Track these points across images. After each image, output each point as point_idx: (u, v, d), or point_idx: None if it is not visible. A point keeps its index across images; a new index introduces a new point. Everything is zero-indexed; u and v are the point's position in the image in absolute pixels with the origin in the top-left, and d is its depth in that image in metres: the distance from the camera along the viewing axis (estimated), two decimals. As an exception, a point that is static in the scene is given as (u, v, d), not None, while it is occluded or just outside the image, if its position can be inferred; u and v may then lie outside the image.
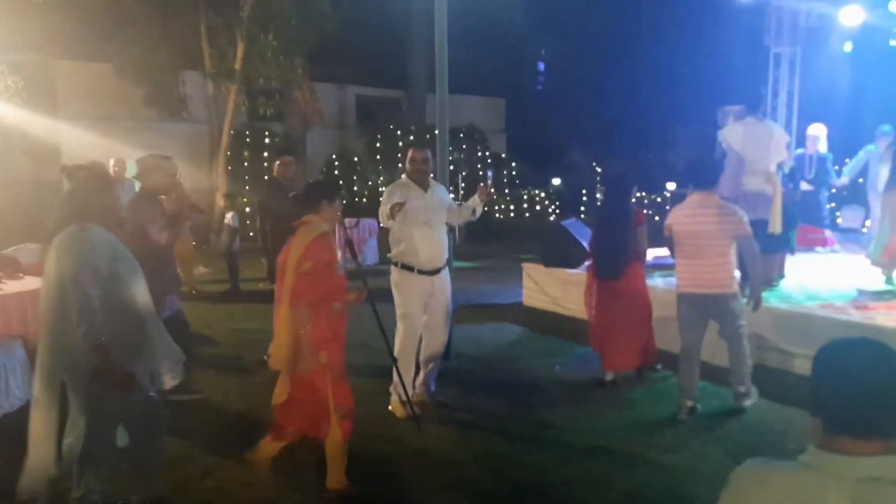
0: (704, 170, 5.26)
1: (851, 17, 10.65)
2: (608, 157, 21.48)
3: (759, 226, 6.49)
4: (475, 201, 5.44)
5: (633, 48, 22.07)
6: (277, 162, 6.19)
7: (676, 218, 5.24)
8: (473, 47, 21.83)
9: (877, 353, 1.45)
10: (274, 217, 6.60)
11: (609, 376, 6.02)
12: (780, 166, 7.28)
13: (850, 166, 9.81)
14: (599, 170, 23.46)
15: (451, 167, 17.67)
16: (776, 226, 6.88)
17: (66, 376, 3.36)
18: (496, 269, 12.64)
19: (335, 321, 3.92)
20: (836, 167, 9.88)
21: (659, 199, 20.18)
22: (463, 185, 17.89)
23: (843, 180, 9.84)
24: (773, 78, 12.26)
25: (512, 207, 20.30)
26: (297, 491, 4.12)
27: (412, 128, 17.84)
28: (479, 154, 18.18)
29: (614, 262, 5.93)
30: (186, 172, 13.81)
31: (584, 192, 22.68)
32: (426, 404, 5.46)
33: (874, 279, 7.32)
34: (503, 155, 19.15)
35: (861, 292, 6.89)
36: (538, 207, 20.93)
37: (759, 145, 7.08)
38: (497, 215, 18.03)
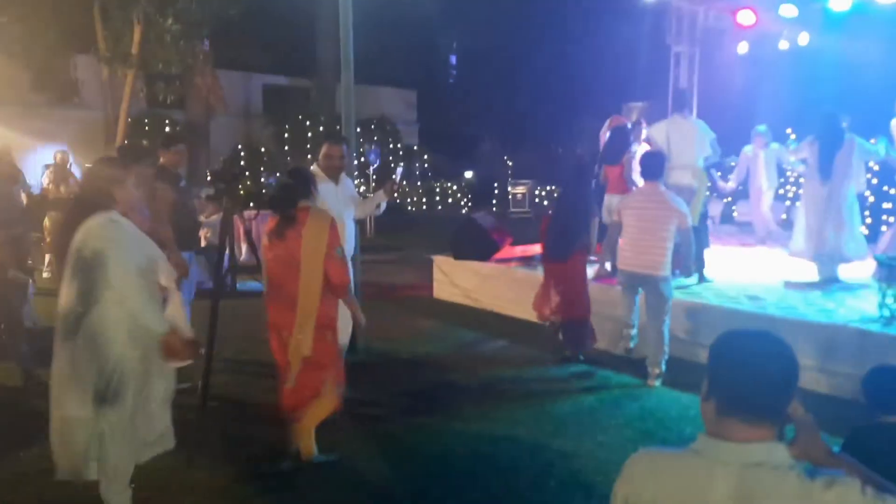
0: (652, 162, 5.75)
1: (746, 19, 11.11)
2: (525, 149, 21.80)
3: None
4: (380, 196, 5.38)
5: (544, 43, 22.42)
6: (168, 150, 5.87)
7: (628, 203, 5.78)
8: (385, 38, 21.63)
9: (770, 344, 1.52)
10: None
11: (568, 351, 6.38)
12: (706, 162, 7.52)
13: (736, 171, 10.14)
14: (510, 163, 23.74)
15: (362, 159, 17.55)
16: (693, 218, 7.10)
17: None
18: (407, 261, 12.57)
19: (334, 301, 4.15)
20: (719, 174, 10.06)
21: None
22: (374, 177, 17.71)
23: (731, 185, 10.15)
24: (674, 76, 12.65)
25: (424, 200, 20.29)
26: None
27: (322, 118, 17.53)
28: (391, 146, 18.06)
29: (564, 246, 6.18)
30: (79, 161, 13.14)
31: (495, 184, 22.89)
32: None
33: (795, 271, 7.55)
34: (415, 147, 19.09)
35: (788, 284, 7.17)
36: (450, 200, 20.98)
37: (684, 142, 7.36)
38: (409, 208, 17.96)
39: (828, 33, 10.81)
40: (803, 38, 11.04)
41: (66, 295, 3.39)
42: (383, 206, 5.46)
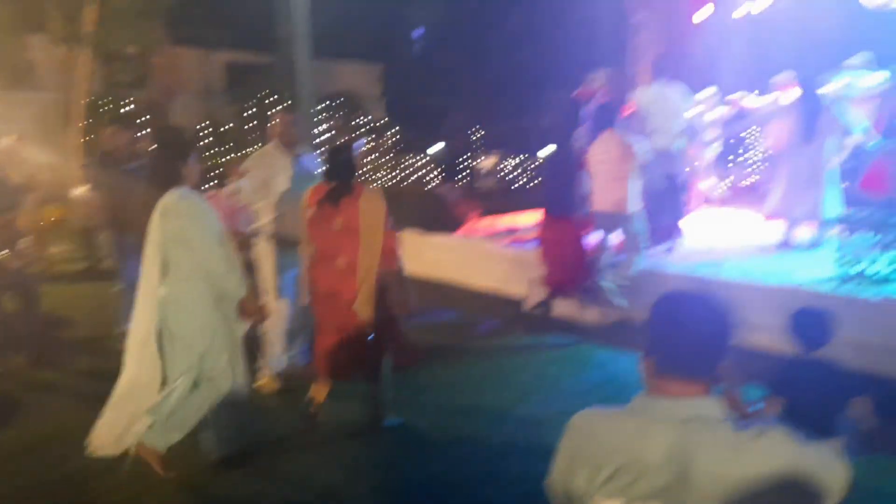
0: (608, 113, 6.40)
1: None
2: (493, 120, 21.69)
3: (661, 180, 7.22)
4: None
5: (508, 14, 22.24)
6: (112, 130, 5.78)
7: (591, 152, 6.28)
8: (348, 12, 21.30)
9: (706, 305, 1.59)
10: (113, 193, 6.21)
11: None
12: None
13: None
14: (480, 134, 23.64)
15: (329, 134, 17.37)
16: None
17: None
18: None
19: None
20: None
21: (534, 165, 20.63)
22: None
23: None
24: (633, 45, 12.66)
25: (392, 174, 20.17)
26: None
27: (287, 94, 17.31)
28: (357, 121, 17.88)
29: (563, 202, 6.39)
30: (37, 144, 12.83)
31: (465, 157, 22.80)
32: (300, 377, 5.35)
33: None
34: (383, 122, 18.93)
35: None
36: (420, 174, 20.90)
37: (666, 107, 7.46)
38: (378, 183, 17.87)
39: (782, 1, 10.86)
40: (758, 6, 11.07)
41: (150, 269, 3.62)
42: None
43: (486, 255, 8.31)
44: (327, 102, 17.38)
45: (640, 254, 6.32)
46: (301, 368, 5.40)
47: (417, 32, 27.21)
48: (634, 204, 6.16)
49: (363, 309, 4.20)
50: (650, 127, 7.35)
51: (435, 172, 20.69)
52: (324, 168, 4.41)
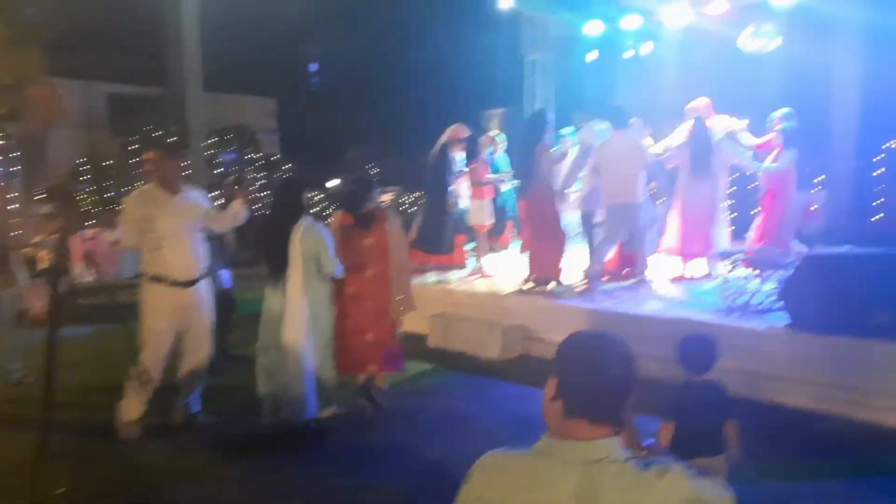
0: (620, 113, 7.14)
1: (593, 29, 11.63)
2: (390, 156, 21.73)
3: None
4: (235, 206, 5.12)
5: (404, 51, 22.51)
6: None
7: (602, 151, 7.02)
8: (242, 46, 20.94)
9: (615, 347, 1.61)
10: None
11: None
12: None
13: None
14: (377, 170, 23.61)
15: (221, 169, 16.85)
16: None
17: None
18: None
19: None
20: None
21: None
22: (235, 187, 17.06)
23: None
24: (529, 84, 13.06)
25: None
26: None
27: (173, 128, 16.71)
28: (251, 156, 17.46)
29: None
30: None
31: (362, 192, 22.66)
32: (189, 425, 5.06)
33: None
34: (276, 156, 18.56)
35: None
36: (316, 209, 20.63)
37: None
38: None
39: (667, 43, 11.51)
40: (647, 48, 11.68)
41: (297, 273, 4.83)
42: (242, 215, 5.16)
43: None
44: (217, 138, 16.89)
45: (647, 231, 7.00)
46: (189, 417, 5.13)
47: (313, 67, 27.11)
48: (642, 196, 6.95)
49: (398, 312, 5.32)
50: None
51: (332, 208, 20.47)
52: (348, 198, 5.42)
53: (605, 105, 7.89)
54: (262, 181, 17.61)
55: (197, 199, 5.14)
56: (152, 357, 4.89)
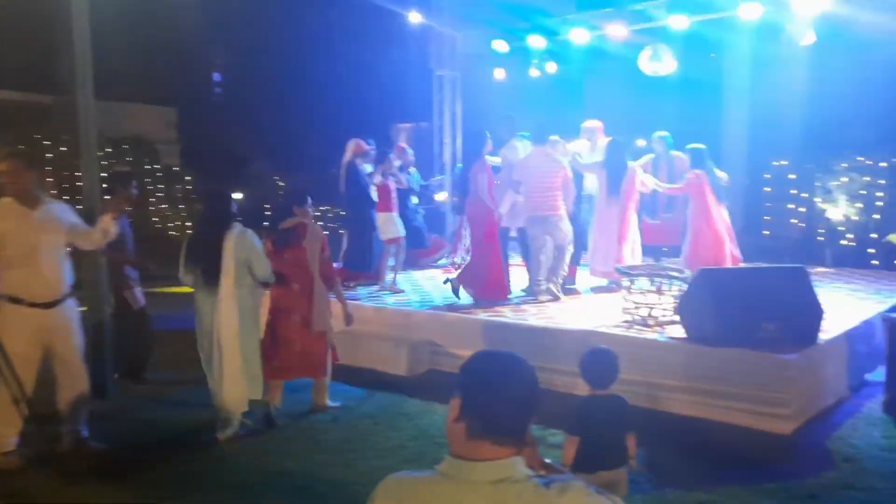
0: (541, 130, 7.40)
1: (500, 48, 11.81)
2: (293, 170, 21.32)
3: (520, 232, 7.71)
4: (105, 220, 4.73)
5: (313, 64, 22.20)
6: None
7: (525, 164, 7.26)
8: (141, 53, 20.13)
9: (517, 367, 1.61)
10: None
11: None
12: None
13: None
14: (283, 184, 23.14)
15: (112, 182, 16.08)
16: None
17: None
18: (168, 290, 11.67)
19: None
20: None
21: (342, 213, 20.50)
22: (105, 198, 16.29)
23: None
24: (438, 100, 13.15)
25: (188, 224, 19.08)
26: None
27: (64, 138, 15.84)
28: (148, 167, 16.73)
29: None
30: None
31: (266, 206, 22.17)
32: (78, 453, 4.75)
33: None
34: (176, 168, 17.89)
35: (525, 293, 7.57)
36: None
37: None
38: (171, 232, 16.74)
39: (571, 63, 11.83)
40: (552, 67, 11.96)
41: (228, 282, 4.95)
42: (113, 230, 4.77)
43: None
44: (110, 149, 16.12)
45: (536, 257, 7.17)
46: (80, 444, 4.82)
47: (216, 77, 26.39)
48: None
49: (318, 322, 5.43)
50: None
51: (237, 221, 19.91)
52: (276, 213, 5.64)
53: (509, 122, 8.01)
54: (161, 193, 16.91)
55: (60, 213, 4.78)
56: (17, 382, 4.52)
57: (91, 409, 5.02)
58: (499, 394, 1.56)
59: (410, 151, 9.08)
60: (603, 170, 7.73)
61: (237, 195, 19.87)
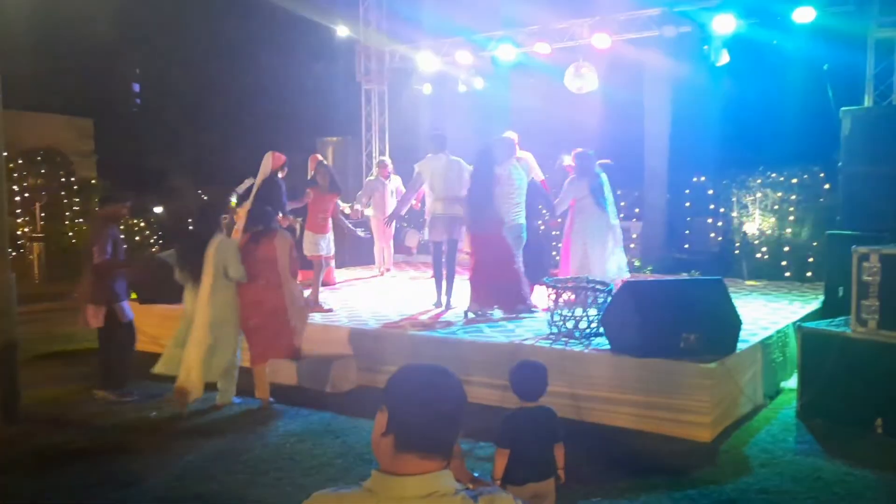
0: (438, 139, 7.73)
1: (427, 63, 11.87)
2: (218, 182, 20.82)
3: (453, 245, 7.67)
4: None
5: (236, 76, 21.79)
6: None
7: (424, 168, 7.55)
8: (53, 61, 19.33)
9: (443, 380, 1.60)
10: None
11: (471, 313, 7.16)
12: None
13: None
14: (205, 197, 22.56)
15: (25, 195, 15.37)
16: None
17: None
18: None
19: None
20: None
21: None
22: (43, 214, 15.60)
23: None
24: (366, 113, 13.11)
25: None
26: None
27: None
28: (63, 180, 16.03)
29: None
30: None
31: (188, 220, 21.58)
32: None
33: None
34: (93, 181, 17.20)
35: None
36: (137, 238, 19.30)
37: (450, 176, 7.60)
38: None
39: (498, 79, 11.99)
40: (479, 83, 12.10)
41: (207, 281, 5.86)
42: None
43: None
44: (21, 161, 15.40)
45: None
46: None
47: (134, 87, 25.60)
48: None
49: (292, 310, 6.14)
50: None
51: (157, 236, 19.28)
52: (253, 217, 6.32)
53: (439, 139, 7.99)
54: (77, 207, 16.22)
55: None
56: None
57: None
58: (425, 407, 1.55)
59: (326, 164, 8.85)
60: (582, 181, 7.66)
61: (158, 209, 19.29)
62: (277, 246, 6.13)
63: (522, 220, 7.45)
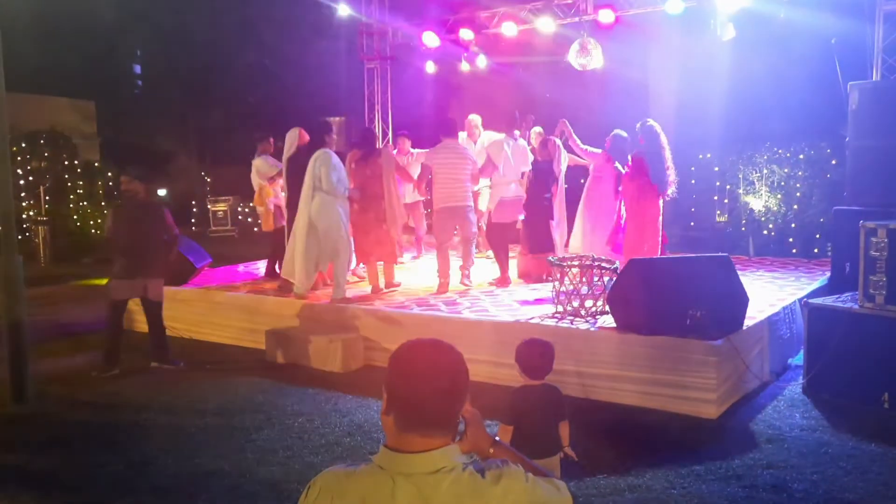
0: (448, 126, 7.59)
1: (430, 40, 11.77)
2: (223, 164, 20.82)
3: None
4: None
5: (239, 56, 21.68)
6: None
7: (433, 158, 7.45)
8: (56, 43, 19.25)
9: (441, 357, 1.59)
10: None
11: None
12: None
13: None
14: (209, 179, 22.57)
15: (30, 178, 15.37)
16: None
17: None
18: (90, 291, 11.24)
19: None
20: None
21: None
22: (47, 197, 15.61)
23: None
24: (368, 91, 13.03)
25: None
26: None
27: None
28: (66, 162, 16.00)
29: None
30: None
31: (193, 202, 21.60)
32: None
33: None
34: (96, 163, 17.17)
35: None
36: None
37: (518, 159, 7.81)
38: (93, 231, 16.05)
39: (501, 56, 11.89)
40: (481, 61, 12.00)
41: (305, 190, 6.94)
42: None
43: (219, 305, 7.81)
44: (24, 144, 15.36)
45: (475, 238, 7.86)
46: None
47: (136, 68, 25.49)
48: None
49: (391, 219, 7.52)
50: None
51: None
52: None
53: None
54: (81, 190, 16.20)
55: None
56: None
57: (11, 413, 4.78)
58: (420, 385, 1.55)
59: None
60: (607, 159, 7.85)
61: (162, 191, 19.29)
62: (383, 163, 7.27)
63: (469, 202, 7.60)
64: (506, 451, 1.77)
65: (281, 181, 8.12)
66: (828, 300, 5.73)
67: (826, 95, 9.07)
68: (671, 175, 7.34)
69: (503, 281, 7.70)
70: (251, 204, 8.52)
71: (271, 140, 8.89)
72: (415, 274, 8.74)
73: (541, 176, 7.75)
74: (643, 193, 7.17)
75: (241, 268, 9.81)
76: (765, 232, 10.15)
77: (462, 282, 7.63)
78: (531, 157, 8.07)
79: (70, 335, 8.23)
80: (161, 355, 6.73)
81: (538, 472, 1.67)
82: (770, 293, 6.99)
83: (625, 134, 7.90)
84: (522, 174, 7.99)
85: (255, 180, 8.77)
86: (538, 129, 8.66)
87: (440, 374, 1.56)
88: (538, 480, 1.59)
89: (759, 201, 10.29)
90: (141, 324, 8.29)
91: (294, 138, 7.61)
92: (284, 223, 7.96)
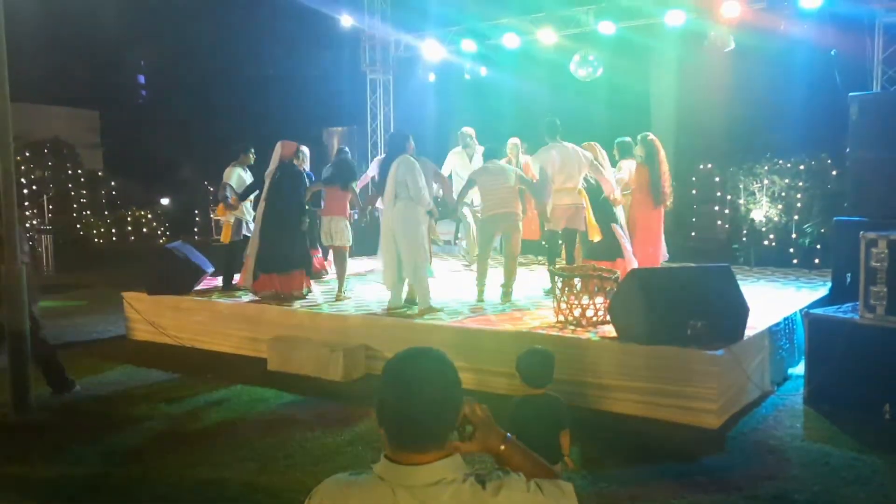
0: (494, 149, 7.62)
1: (432, 51, 11.85)
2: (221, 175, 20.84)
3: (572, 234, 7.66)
4: None
5: (242, 67, 21.81)
6: None
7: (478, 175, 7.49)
8: (60, 54, 19.38)
9: (423, 365, 1.58)
10: None
11: None
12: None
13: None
14: (212, 189, 22.61)
15: (34, 187, 15.44)
16: (594, 233, 7.43)
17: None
18: (95, 300, 11.27)
19: None
20: None
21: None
22: (50, 206, 15.67)
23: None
24: (371, 102, 13.10)
25: (113, 230, 18.46)
26: None
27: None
28: (70, 172, 16.07)
29: None
30: None
31: (196, 211, 21.66)
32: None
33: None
34: (99, 173, 17.22)
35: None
36: (145, 230, 19.39)
37: (569, 164, 7.48)
38: (96, 239, 16.09)
39: (503, 67, 11.97)
40: (484, 71, 12.08)
41: (387, 196, 6.83)
42: None
43: (220, 314, 7.82)
44: (28, 154, 15.44)
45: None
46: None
47: (140, 79, 25.62)
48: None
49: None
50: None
51: (164, 227, 19.35)
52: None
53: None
54: (84, 199, 16.28)
55: None
56: None
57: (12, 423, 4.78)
58: (405, 399, 1.53)
59: (304, 151, 8.49)
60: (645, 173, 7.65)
61: (165, 201, 19.38)
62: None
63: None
64: (517, 448, 1.74)
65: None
66: (829, 311, 5.73)
67: (826, 107, 9.10)
68: (667, 187, 7.48)
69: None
70: (213, 215, 8.41)
71: (251, 153, 8.88)
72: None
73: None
74: (646, 204, 7.29)
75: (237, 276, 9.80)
76: (765, 243, 10.16)
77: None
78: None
79: (73, 345, 8.24)
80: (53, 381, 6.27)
81: (547, 470, 1.67)
82: (771, 303, 7.00)
83: (629, 139, 7.98)
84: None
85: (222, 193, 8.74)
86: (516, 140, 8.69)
87: (431, 384, 1.54)
88: (541, 487, 1.57)
89: (759, 212, 10.31)
90: (141, 332, 8.36)
91: (277, 152, 7.77)
92: (243, 236, 8.38)
